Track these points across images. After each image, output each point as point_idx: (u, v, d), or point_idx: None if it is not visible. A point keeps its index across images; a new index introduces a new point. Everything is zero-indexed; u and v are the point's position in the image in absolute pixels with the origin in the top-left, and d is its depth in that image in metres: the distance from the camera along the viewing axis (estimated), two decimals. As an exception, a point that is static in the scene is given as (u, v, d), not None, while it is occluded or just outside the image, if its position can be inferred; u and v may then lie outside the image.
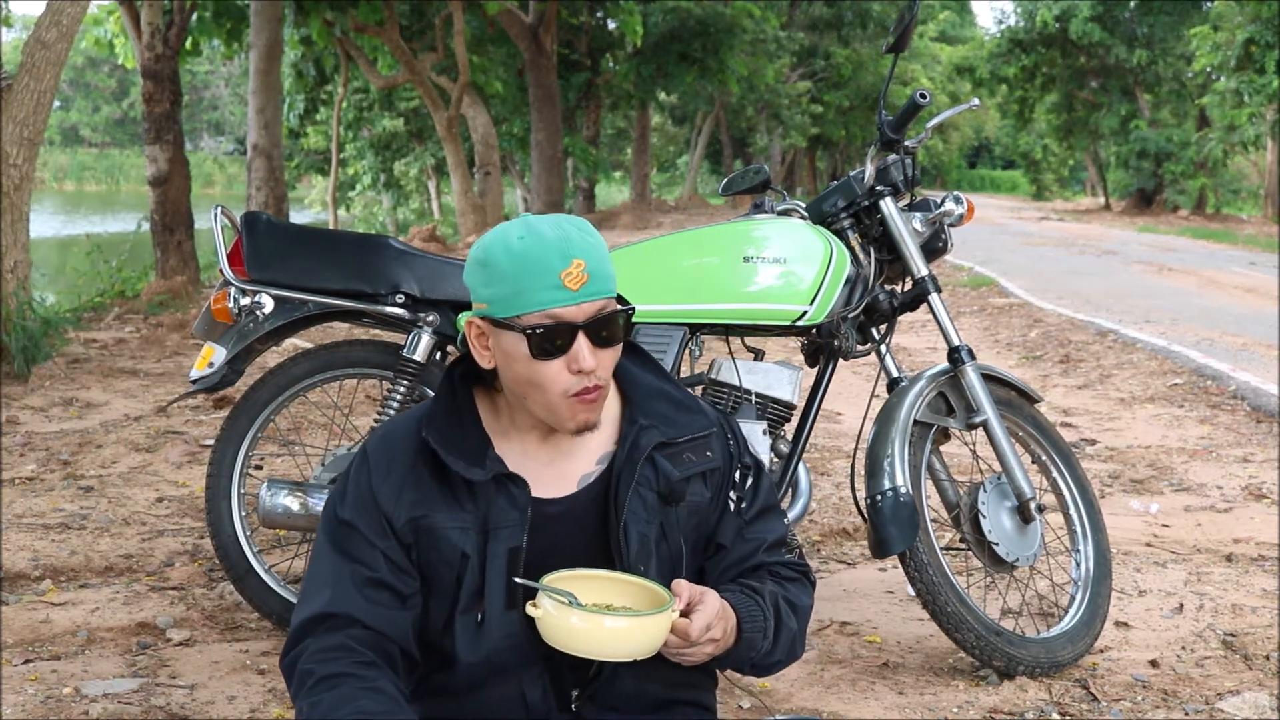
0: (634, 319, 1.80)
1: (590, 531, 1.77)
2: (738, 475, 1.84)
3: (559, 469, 1.77)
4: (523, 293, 1.64)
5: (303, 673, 1.66)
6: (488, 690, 1.77)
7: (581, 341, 1.65)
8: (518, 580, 1.69)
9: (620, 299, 1.72)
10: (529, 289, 1.64)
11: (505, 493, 1.72)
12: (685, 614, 1.64)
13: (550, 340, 1.65)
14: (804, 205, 3.24)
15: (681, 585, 1.66)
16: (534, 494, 1.74)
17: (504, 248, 1.66)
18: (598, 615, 1.60)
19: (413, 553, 1.74)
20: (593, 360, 1.66)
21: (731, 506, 1.83)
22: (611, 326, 1.68)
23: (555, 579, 1.66)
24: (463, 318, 3.03)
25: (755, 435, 2.93)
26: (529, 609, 1.64)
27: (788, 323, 2.99)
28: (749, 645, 1.73)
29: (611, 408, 1.81)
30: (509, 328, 1.66)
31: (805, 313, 2.97)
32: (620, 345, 1.72)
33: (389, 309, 3.06)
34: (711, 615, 1.65)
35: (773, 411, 3.05)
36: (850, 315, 3.13)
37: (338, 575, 1.71)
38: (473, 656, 1.74)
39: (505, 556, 1.72)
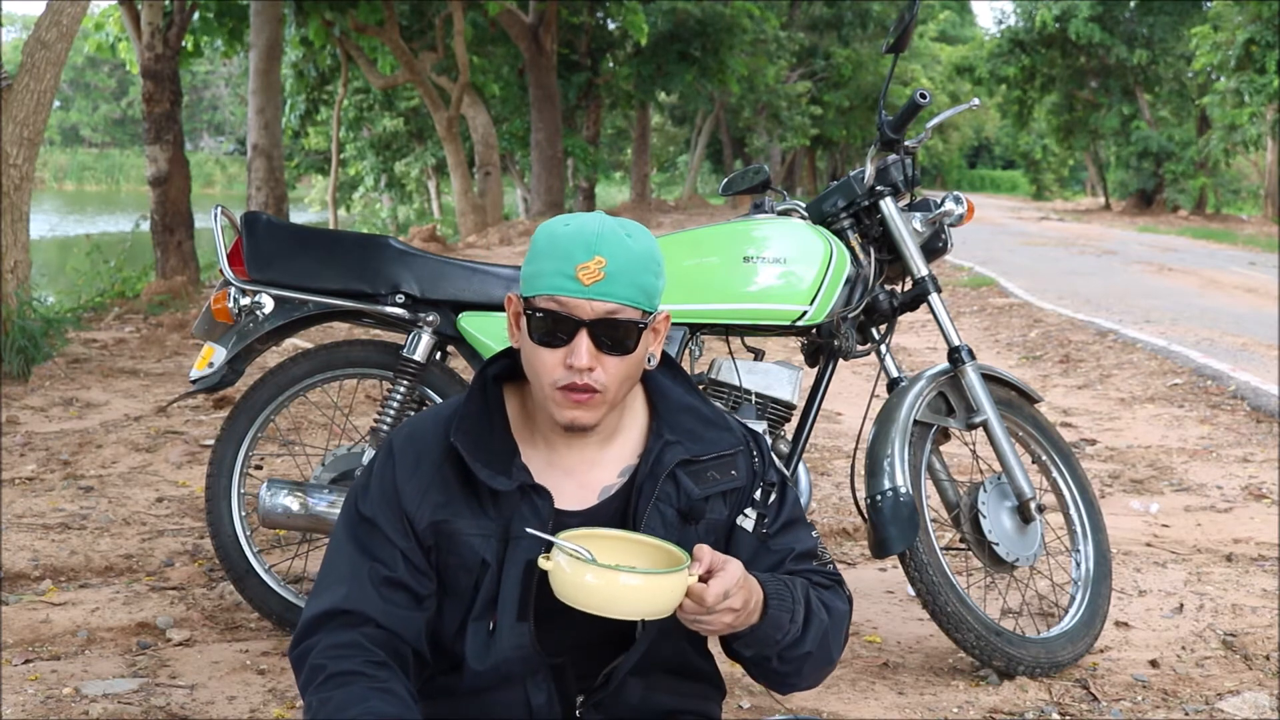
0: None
1: None
2: (759, 493, 1.81)
3: (581, 479, 1.76)
4: (541, 274, 1.65)
5: (313, 667, 1.66)
6: (492, 694, 1.76)
7: (582, 339, 1.64)
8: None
9: (649, 315, 1.67)
10: (546, 271, 1.64)
11: (529, 502, 1.71)
12: (705, 580, 1.61)
13: (550, 328, 1.65)
14: (804, 205, 3.24)
15: (703, 550, 1.63)
16: (556, 504, 1.72)
17: (548, 230, 1.68)
18: (612, 572, 1.57)
19: (433, 555, 1.73)
20: (589, 360, 1.64)
21: (747, 525, 1.80)
22: (620, 334, 1.65)
23: (573, 535, 1.64)
24: (464, 317, 3.07)
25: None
26: (541, 562, 1.62)
27: (788, 323, 2.99)
28: (774, 624, 1.69)
29: (638, 419, 1.80)
30: (526, 305, 1.68)
31: (805, 313, 2.97)
32: (632, 359, 1.68)
33: (389, 309, 3.06)
34: (731, 583, 1.61)
35: (773, 411, 3.05)
36: (850, 315, 3.13)
37: (355, 571, 1.71)
38: (480, 665, 1.73)
39: (523, 568, 1.70)
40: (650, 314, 1.68)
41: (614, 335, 1.65)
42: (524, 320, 1.68)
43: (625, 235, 1.66)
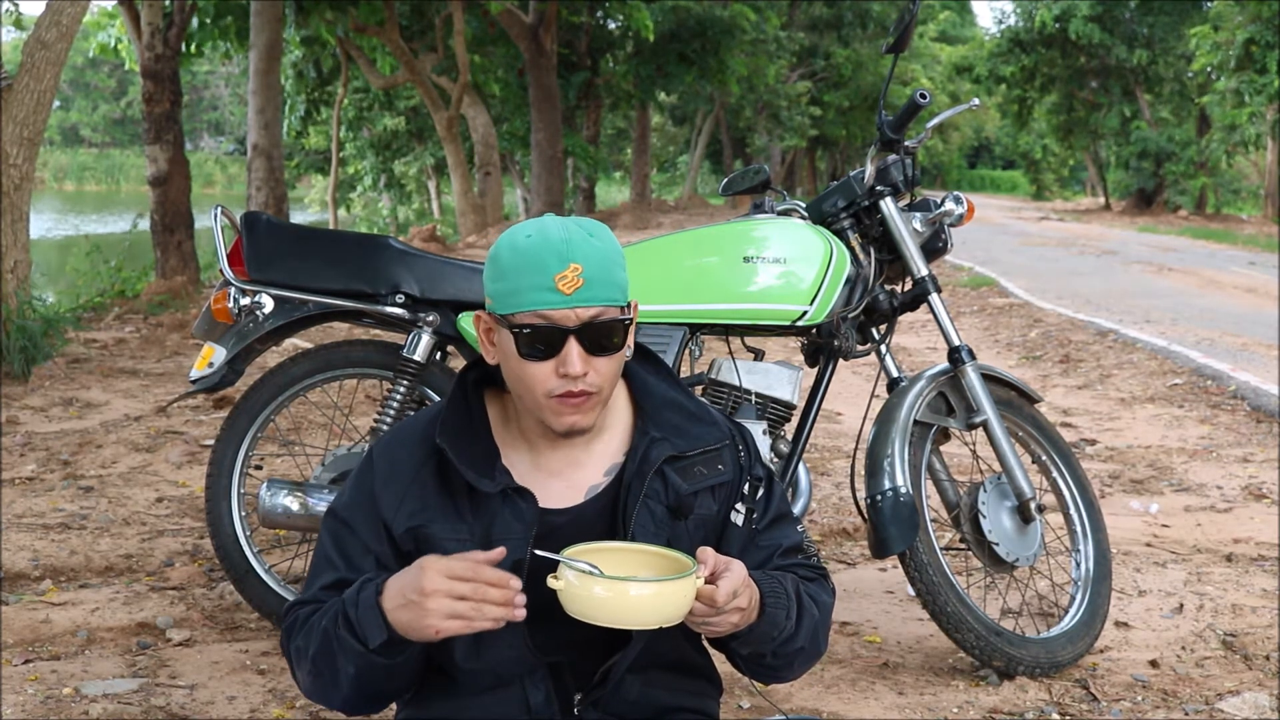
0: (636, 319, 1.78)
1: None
2: (747, 487, 1.82)
3: (567, 479, 1.77)
4: (518, 291, 1.64)
5: (288, 628, 1.72)
6: (490, 694, 1.76)
7: (572, 346, 1.65)
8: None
9: (627, 308, 1.69)
10: (524, 288, 1.64)
11: (511, 505, 1.71)
12: (711, 582, 1.62)
13: (538, 341, 1.65)
14: (804, 205, 3.24)
15: (707, 553, 1.63)
16: (541, 504, 1.73)
17: (510, 244, 1.67)
18: (622, 583, 1.57)
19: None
20: (581, 366, 1.65)
21: (739, 520, 1.80)
22: (607, 334, 1.66)
23: (576, 551, 1.64)
24: (463, 317, 3.07)
25: (755, 435, 2.93)
26: (550, 582, 1.62)
27: (788, 323, 2.99)
28: (772, 622, 1.70)
29: (623, 417, 1.80)
30: (505, 324, 1.67)
31: (805, 313, 2.97)
32: (620, 354, 1.70)
33: (389, 309, 3.06)
34: (738, 582, 1.62)
35: (773, 411, 3.05)
36: (850, 315, 3.13)
37: (326, 573, 1.74)
38: (474, 664, 1.73)
39: (509, 568, 1.69)
40: (626, 307, 1.70)
41: (602, 337, 1.66)
42: (502, 336, 1.68)
43: (590, 236, 1.66)
